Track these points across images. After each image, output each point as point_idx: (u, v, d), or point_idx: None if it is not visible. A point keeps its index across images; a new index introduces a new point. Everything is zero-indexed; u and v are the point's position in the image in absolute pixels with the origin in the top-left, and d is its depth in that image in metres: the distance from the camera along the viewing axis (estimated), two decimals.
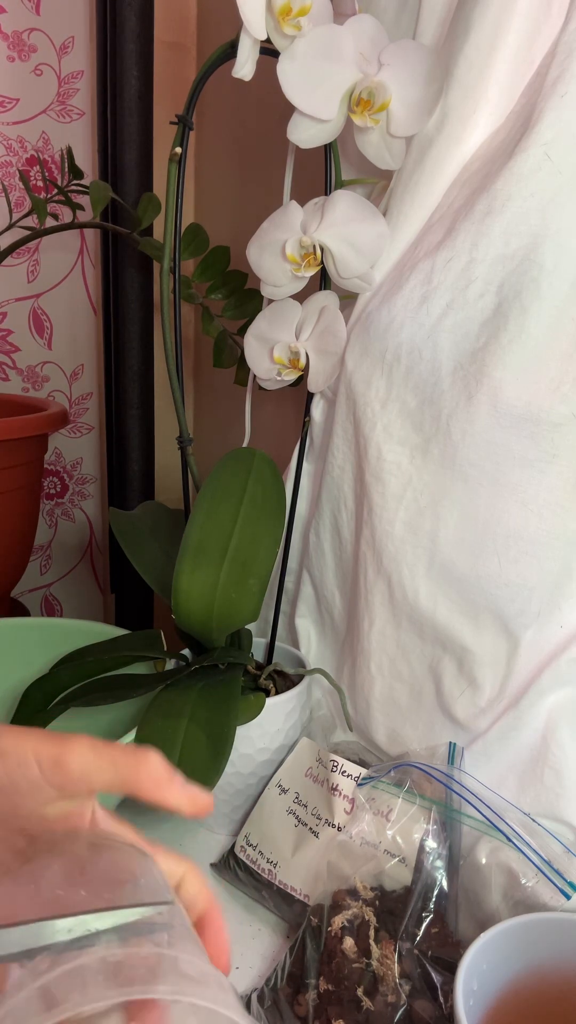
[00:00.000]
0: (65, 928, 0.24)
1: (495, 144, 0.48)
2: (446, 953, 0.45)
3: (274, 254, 0.53)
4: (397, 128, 0.49)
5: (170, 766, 0.29)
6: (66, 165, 0.71)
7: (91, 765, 0.28)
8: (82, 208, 0.72)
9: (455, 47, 0.47)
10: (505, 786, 0.50)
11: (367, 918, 0.46)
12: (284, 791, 0.56)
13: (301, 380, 0.58)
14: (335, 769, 0.54)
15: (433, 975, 0.43)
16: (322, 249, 0.52)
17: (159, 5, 0.76)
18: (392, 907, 0.47)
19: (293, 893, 0.52)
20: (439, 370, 0.49)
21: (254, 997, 0.47)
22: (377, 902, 0.47)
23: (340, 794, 0.53)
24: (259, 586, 0.54)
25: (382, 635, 0.56)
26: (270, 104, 0.76)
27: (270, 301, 0.57)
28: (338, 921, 0.46)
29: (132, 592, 0.94)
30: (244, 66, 0.46)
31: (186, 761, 0.48)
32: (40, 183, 0.90)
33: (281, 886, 0.53)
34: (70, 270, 0.97)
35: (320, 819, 0.53)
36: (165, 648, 0.59)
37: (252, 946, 0.52)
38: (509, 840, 0.47)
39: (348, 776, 0.53)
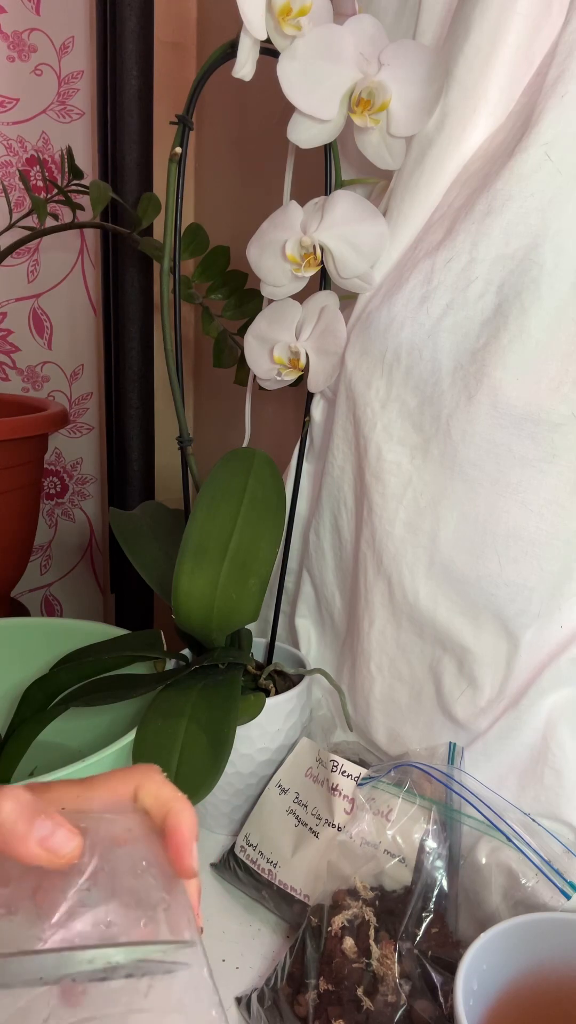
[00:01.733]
0: (86, 959, 0.24)
1: (495, 144, 0.48)
2: (446, 953, 0.45)
3: (274, 254, 0.53)
4: (397, 128, 0.49)
5: (28, 813, 0.26)
6: (66, 165, 0.71)
7: None
8: (82, 208, 0.72)
9: (455, 47, 0.46)
10: (505, 786, 0.50)
11: (367, 918, 0.46)
12: (284, 791, 0.56)
13: (301, 380, 0.58)
14: (335, 769, 0.54)
15: (433, 975, 0.43)
16: (322, 249, 0.52)
17: (159, 5, 0.76)
18: (392, 907, 0.47)
19: (293, 893, 0.52)
20: (439, 370, 0.49)
21: (254, 997, 0.47)
22: (377, 902, 0.47)
23: (340, 794, 0.53)
24: (259, 586, 0.54)
25: (382, 635, 0.56)
26: (270, 104, 0.76)
27: (270, 301, 0.57)
28: (338, 921, 0.46)
29: (132, 592, 0.94)
30: (244, 66, 0.46)
31: (186, 761, 0.48)
32: (40, 183, 0.90)
33: (281, 886, 0.53)
34: (70, 270, 0.97)
35: (320, 819, 0.53)
36: (165, 648, 0.59)
37: (252, 946, 0.52)
38: (509, 840, 0.47)
39: (348, 776, 0.53)
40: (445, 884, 0.47)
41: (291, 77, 0.48)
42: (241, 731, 0.55)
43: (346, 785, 0.53)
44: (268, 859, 0.54)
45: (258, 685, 0.60)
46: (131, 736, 0.49)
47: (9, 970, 0.24)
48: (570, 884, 0.45)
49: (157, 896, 0.27)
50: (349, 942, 0.45)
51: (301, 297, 0.55)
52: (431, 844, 0.48)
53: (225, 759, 0.48)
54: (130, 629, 0.63)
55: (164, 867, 0.28)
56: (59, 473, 1.05)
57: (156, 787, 0.30)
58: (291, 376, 0.57)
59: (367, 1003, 0.42)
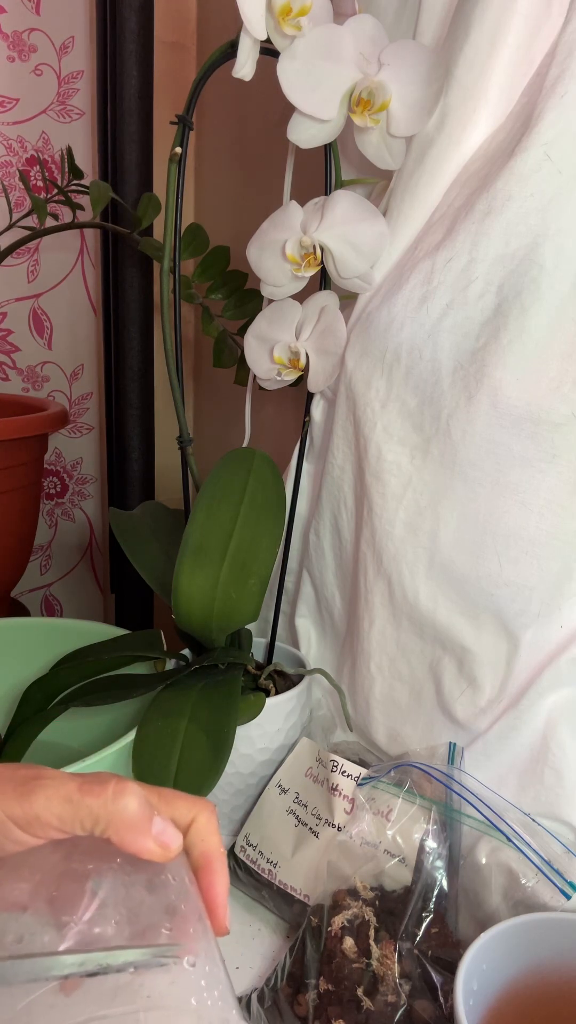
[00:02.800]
0: (76, 963, 0.24)
1: (495, 144, 0.48)
2: (446, 953, 0.45)
3: (274, 254, 0.53)
4: (397, 128, 0.49)
5: (148, 809, 0.29)
6: (66, 165, 0.71)
7: (68, 818, 0.27)
8: (82, 208, 0.72)
9: (455, 47, 0.46)
10: (505, 786, 0.50)
11: (367, 918, 0.46)
12: (284, 791, 0.56)
13: (301, 380, 0.58)
14: (335, 769, 0.54)
15: (433, 975, 0.43)
16: (322, 249, 0.52)
17: (159, 5, 0.76)
18: (392, 907, 0.47)
19: (293, 893, 0.52)
20: (439, 370, 0.49)
21: (254, 997, 0.47)
22: (377, 902, 0.47)
23: (340, 794, 0.53)
24: (259, 586, 0.54)
25: (382, 635, 0.56)
26: (270, 104, 0.76)
27: (270, 301, 0.57)
28: (338, 921, 0.46)
29: (132, 592, 0.94)
30: (244, 66, 0.46)
31: (186, 761, 0.48)
32: (40, 183, 0.90)
33: (281, 886, 0.53)
34: (70, 270, 0.97)
35: (320, 819, 0.53)
36: (165, 648, 0.59)
37: (252, 946, 0.52)
38: (509, 840, 0.47)
39: (348, 776, 0.53)
40: (445, 884, 0.47)
41: (291, 77, 0.48)
42: (241, 731, 0.55)
43: (346, 785, 0.53)
44: (268, 859, 0.54)
45: (258, 685, 0.60)
46: (131, 736, 0.49)
47: (16, 969, 0.24)
48: (570, 884, 0.45)
49: (173, 912, 0.28)
50: (349, 942, 0.45)
51: (301, 297, 0.55)
52: (431, 844, 0.48)
53: (225, 759, 0.48)
54: (130, 629, 0.63)
55: (197, 902, 0.29)
56: (59, 473, 1.05)
57: (208, 831, 0.31)
58: (291, 376, 0.57)
59: (367, 1003, 0.42)
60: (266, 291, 0.56)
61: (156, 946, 0.26)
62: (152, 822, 0.28)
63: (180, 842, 0.29)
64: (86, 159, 0.92)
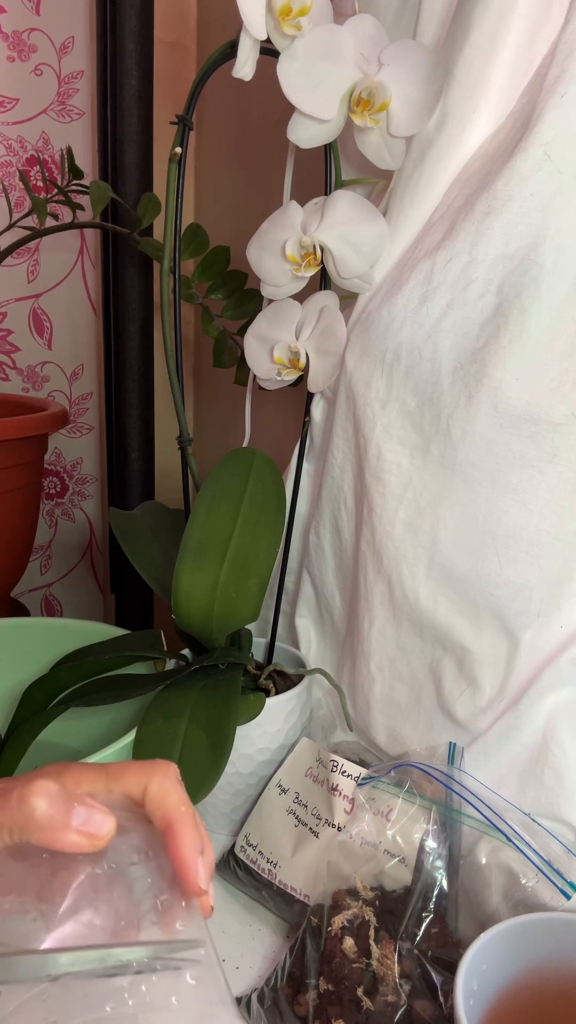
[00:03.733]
0: (67, 962, 0.24)
1: (495, 144, 0.48)
2: (446, 953, 0.45)
3: (274, 254, 0.53)
4: (397, 128, 0.49)
5: (62, 803, 0.27)
6: (66, 165, 0.71)
7: None
8: (82, 208, 0.72)
9: (455, 47, 0.46)
10: (505, 786, 0.50)
11: (367, 918, 0.46)
12: (284, 791, 0.56)
13: (301, 380, 0.58)
14: (335, 769, 0.54)
15: (433, 975, 0.43)
16: (322, 249, 0.52)
17: (159, 5, 0.76)
18: (392, 907, 0.47)
19: (293, 893, 0.52)
20: (439, 370, 0.49)
21: (254, 997, 0.47)
22: (377, 902, 0.47)
23: (340, 794, 0.53)
24: (259, 586, 0.54)
25: (382, 635, 0.56)
26: (270, 104, 0.76)
27: (270, 301, 0.57)
28: (338, 921, 0.46)
29: (132, 592, 0.94)
30: (244, 66, 0.46)
31: (186, 761, 0.48)
32: (40, 183, 0.90)
33: (281, 886, 0.53)
34: (70, 270, 0.97)
35: (320, 819, 0.53)
36: (165, 648, 0.59)
37: (252, 946, 0.52)
38: (509, 840, 0.47)
39: (348, 776, 0.53)
40: (445, 884, 0.47)
41: (291, 77, 0.48)
42: (241, 731, 0.55)
43: (346, 785, 0.53)
44: (268, 859, 0.54)
45: (258, 685, 0.60)
46: (131, 736, 0.49)
47: (10, 968, 0.24)
48: (570, 884, 0.45)
49: (158, 898, 0.27)
50: (349, 942, 0.45)
51: (301, 297, 0.55)
52: (431, 844, 0.48)
53: (225, 759, 0.48)
54: (130, 629, 0.63)
55: (169, 876, 0.28)
56: (59, 473, 1.05)
57: (163, 793, 0.29)
58: (291, 376, 0.57)
59: (367, 1003, 0.42)
60: (266, 291, 0.56)
61: (154, 944, 0.26)
62: (72, 815, 0.27)
63: (109, 826, 0.27)
64: (86, 159, 0.92)
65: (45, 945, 0.25)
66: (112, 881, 0.27)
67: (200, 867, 0.28)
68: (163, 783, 0.30)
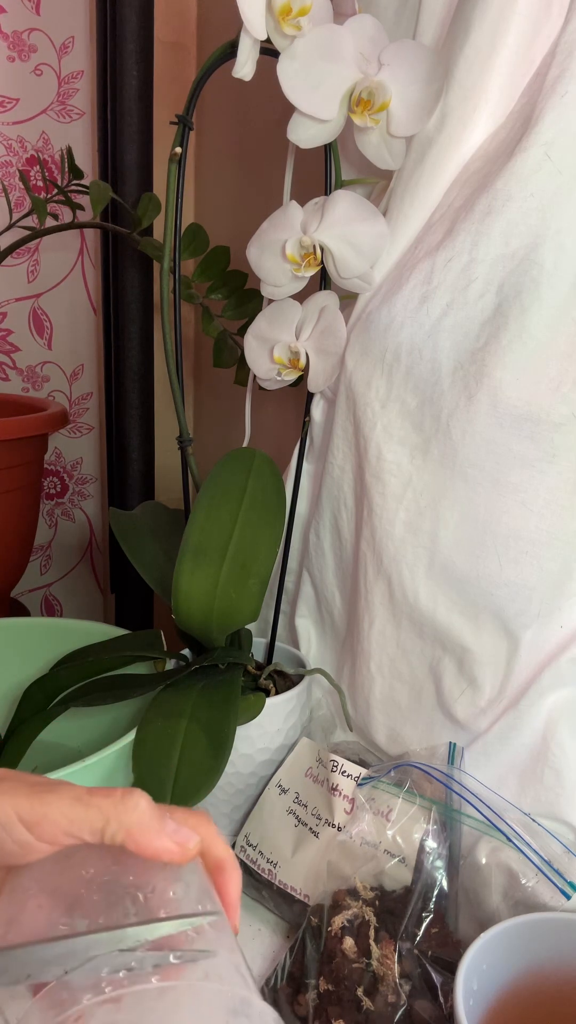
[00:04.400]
0: (114, 940, 0.24)
1: (495, 144, 0.48)
2: (446, 953, 0.45)
3: (274, 254, 0.53)
4: (397, 128, 0.49)
5: (159, 810, 0.28)
6: (66, 165, 0.71)
7: (78, 818, 0.27)
8: (82, 208, 0.72)
9: (455, 47, 0.46)
10: (505, 786, 0.50)
11: (367, 918, 0.46)
12: (284, 791, 0.56)
13: (301, 380, 0.58)
14: (335, 769, 0.54)
15: (433, 975, 0.43)
16: (322, 249, 0.52)
17: (159, 5, 0.76)
18: (392, 907, 0.47)
19: (293, 893, 0.52)
20: (439, 370, 0.49)
21: None
22: (377, 902, 0.47)
23: (340, 794, 0.53)
24: (259, 586, 0.54)
25: (382, 635, 0.56)
26: (270, 104, 0.76)
27: (270, 301, 0.57)
28: (338, 921, 0.46)
29: (132, 592, 0.94)
30: (244, 66, 0.46)
31: (186, 761, 0.48)
32: (40, 183, 0.90)
33: (281, 886, 0.53)
34: (70, 270, 0.97)
35: (320, 819, 0.53)
36: (165, 648, 0.59)
37: (252, 946, 0.52)
38: (509, 840, 0.47)
39: (348, 776, 0.53)
40: (445, 884, 0.47)
41: (291, 77, 0.48)
42: (241, 731, 0.55)
43: (346, 785, 0.53)
44: (268, 859, 0.54)
45: (258, 685, 0.60)
46: (131, 736, 0.49)
47: (33, 959, 0.24)
48: (570, 884, 0.45)
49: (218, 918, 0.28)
50: (349, 942, 0.45)
51: (301, 297, 0.55)
52: (431, 844, 0.48)
53: (225, 759, 0.48)
54: (130, 629, 0.63)
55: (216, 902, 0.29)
56: (59, 473, 1.05)
57: (211, 837, 0.31)
58: (291, 376, 0.57)
59: (367, 1003, 0.42)
60: (266, 291, 0.56)
61: (188, 916, 0.26)
62: (165, 822, 0.28)
63: (197, 841, 0.29)
64: (86, 159, 0.92)
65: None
66: (149, 904, 0.28)
67: (239, 912, 0.30)
68: (209, 826, 0.31)
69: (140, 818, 0.28)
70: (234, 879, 0.30)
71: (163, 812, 0.29)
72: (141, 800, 0.28)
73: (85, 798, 0.28)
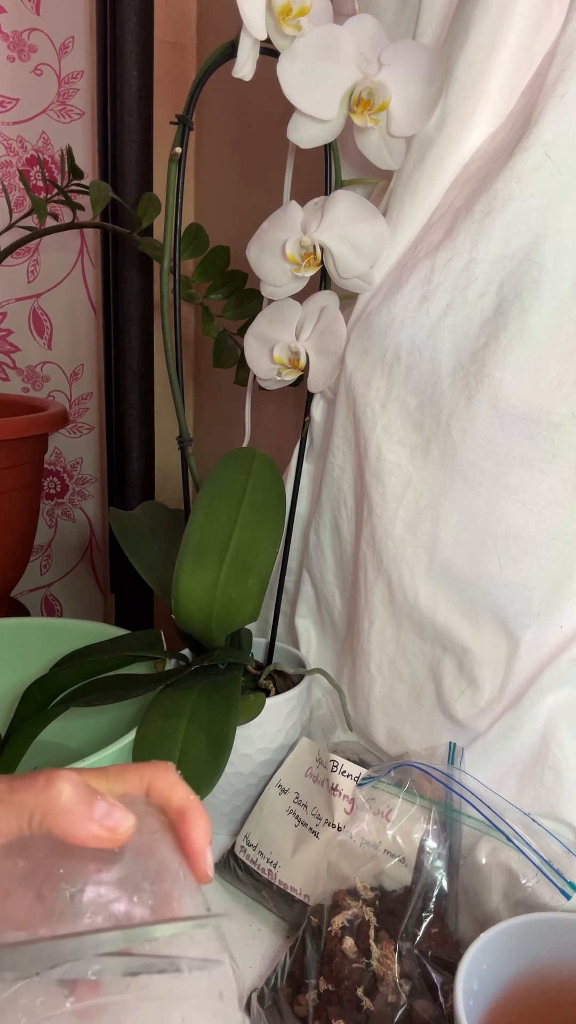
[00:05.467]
0: (105, 941, 0.24)
1: (495, 144, 0.48)
2: (446, 953, 0.45)
3: (274, 254, 0.53)
4: (397, 128, 0.49)
5: (87, 793, 0.27)
6: (66, 165, 0.71)
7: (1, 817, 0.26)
8: (82, 208, 0.72)
9: (455, 47, 0.46)
10: (505, 786, 0.50)
11: (367, 918, 0.46)
12: (284, 791, 0.56)
13: (301, 380, 0.58)
14: (335, 769, 0.54)
15: (433, 975, 0.43)
16: (322, 249, 0.52)
17: (159, 5, 0.76)
18: (392, 907, 0.47)
19: (293, 893, 0.52)
20: (439, 370, 0.49)
21: (254, 997, 0.47)
22: (377, 902, 0.47)
23: (340, 794, 0.53)
24: (259, 586, 0.54)
25: (382, 635, 0.56)
26: (270, 104, 0.76)
27: (270, 301, 0.57)
28: (338, 921, 0.46)
29: (132, 592, 0.94)
30: (244, 66, 0.46)
31: (186, 761, 0.48)
32: (40, 183, 0.90)
33: (281, 886, 0.53)
34: (70, 270, 0.97)
35: (320, 819, 0.53)
36: (165, 648, 0.59)
37: (252, 946, 0.52)
38: (509, 840, 0.47)
39: (348, 776, 0.53)
40: (445, 884, 0.47)
41: (291, 77, 0.48)
42: (241, 731, 0.55)
43: (346, 785, 0.53)
44: (268, 859, 0.54)
45: (258, 685, 0.60)
46: (131, 736, 0.49)
47: (20, 958, 0.24)
48: (570, 884, 0.45)
49: (169, 890, 0.27)
50: (349, 942, 0.45)
51: (301, 297, 0.55)
52: (431, 844, 0.48)
53: (225, 759, 0.48)
54: (130, 629, 0.63)
55: (176, 866, 0.28)
56: (59, 473, 1.05)
57: (169, 786, 0.30)
58: (291, 376, 0.57)
59: (367, 1003, 0.42)
60: (266, 291, 0.56)
61: (191, 919, 0.26)
62: (94, 806, 0.27)
63: (130, 823, 0.27)
64: (86, 159, 0.92)
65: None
66: (120, 880, 0.27)
67: (210, 855, 0.29)
68: (167, 776, 0.30)
69: (63, 805, 0.26)
70: (198, 824, 0.29)
71: (92, 794, 0.27)
72: (65, 786, 0.27)
73: (6, 796, 0.27)
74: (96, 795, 0.27)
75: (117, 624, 0.66)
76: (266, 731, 0.57)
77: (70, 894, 0.26)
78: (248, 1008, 0.46)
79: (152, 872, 0.28)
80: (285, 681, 0.61)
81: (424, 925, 0.45)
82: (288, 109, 0.49)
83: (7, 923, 0.25)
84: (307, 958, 0.46)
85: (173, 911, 0.27)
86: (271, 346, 0.56)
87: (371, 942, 0.45)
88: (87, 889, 0.26)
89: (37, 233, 0.71)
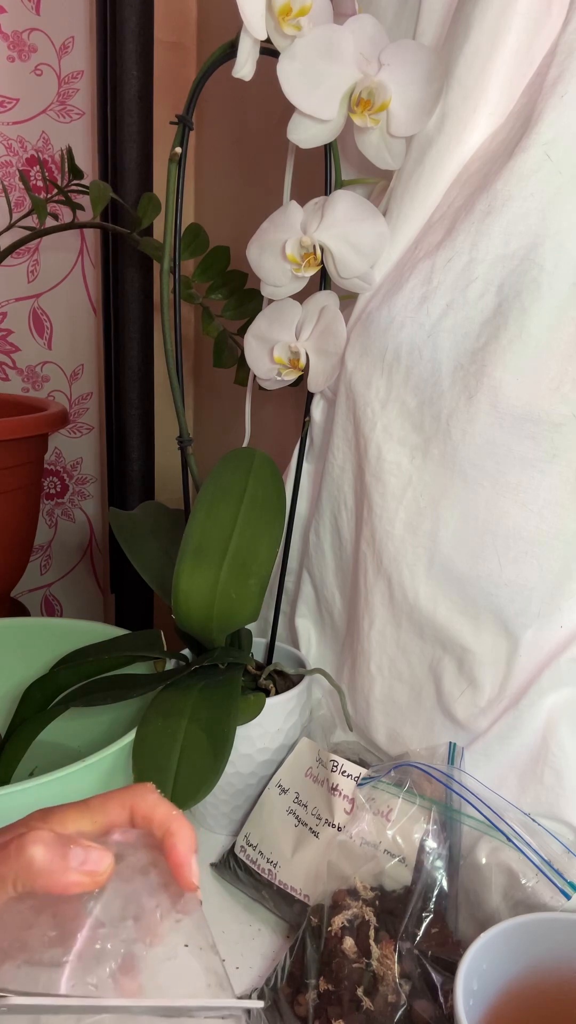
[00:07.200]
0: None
1: (495, 144, 0.48)
2: (446, 953, 0.45)
3: (274, 254, 0.53)
4: (397, 128, 0.49)
5: (58, 847, 0.28)
6: (66, 165, 0.71)
7: None
8: (82, 208, 0.72)
9: (455, 47, 0.46)
10: (505, 786, 0.50)
11: (367, 918, 0.46)
12: (284, 791, 0.56)
13: (301, 380, 0.58)
14: (335, 769, 0.54)
15: (433, 975, 0.43)
16: (322, 249, 0.52)
17: (159, 5, 0.76)
18: (392, 907, 0.47)
19: (293, 893, 0.52)
20: (439, 370, 0.49)
21: (254, 997, 0.47)
22: (377, 902, 0.47)
23: (340, 794, 0.53)
24: (259, 586, 0.54)
25: (382, 635, 0.56)
26: (270, 104, 0.76)
27: (270, 301, 0.57)
28: (338, 921, 0.46)
29: (132, 592, 0.94)
30: (244, 66, 0.46)
31: (186, 761, 0.48)
32: (40, 183, 0.90)
33: (281, 886, 0.53)
34: (70, 270, 0.97)
35: (320, 819, 0.53)
36: (165, 648, 0.59)
37: (252, 946, 0.52)
38: (509, 840, 0.47)
39: (348, 776, 0.53)
40: (445, 884, 0.47)
41: (291, 77, 0.48)
42: (241, 731, 0.55)
43: (346, 785, 0.53)
44: (268, 859, 0.54)
45: (258, 685, 0.60)
46: (131, 736, 0.49)
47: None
48: (570, 884, 0.45)
49: (166, 913, 0.28)
50: (349, 942, 0.45)
51: (301, 297, 0.55)
52: (431, 844, 0.48)
53: (225, 759, 0.48)
54: (130, 629, 0.63)
55: (172, 886, 0.30)
56: (59, 473, 1.05)
57: (151, 807, 0.31)
58: (291, 376, 0.57)
59: (367, 1003, 0.42)
60: (266, 291, 0.56)
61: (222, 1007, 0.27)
62: (69, 857, 0.28)
63: (108, 861, 0.28)
64: (86, 159, 0.92)
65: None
66: (118, 911, 0.28)
67: (194, 864, 0.30)
68: (147, 797, 0.31)
69: (40, 867, 0.27)
70: (181, 837, 0.30)
71: (64, 846, 0.28)
72: (35, 850, 0.27)
73: None
74: (69, 844, 0.28)
75: (117, 624, 0.66)
76: (266, 731, 0.57)
77: (66, 933, 0.27)
78: (248, 1008, 0.46)
79: (138, 896, 0.29)
80: (285, 681, 0.61)
81: (424, 925, 0.45)
82: (288, 109, 0.49)
83: (35, 961, 0.26)
84: (307, 958, 0.46)
85: (160, 934, 0.28)
86: (271, 346, 0.56)
87: (371, 942, 0.45)
88: (79, 932, 0.27)
89: (37, 233, 0.71)
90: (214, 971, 0.28)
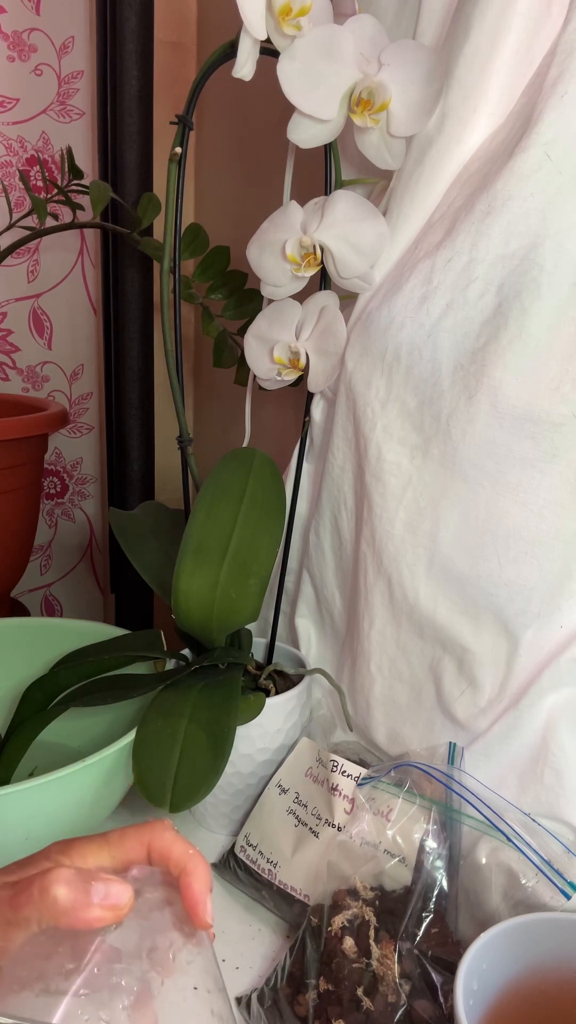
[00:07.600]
0: None
1: (495, 144, 0.48)
2: (446, 953, 0.45)
3: (274, 254, 0.53)
4: (397, 128, 0.49)
5: (81, 884, 0.28)
6: (66, 165, 0.71)
7: (10, 933, 0.28)
8: (82, 208, 0.72)
9: (455, 47, 0.46)
10: (505, 786, 0.50)
11: (367, 918, 0.46)
12: (284, 791, 0.56)
13: (301, 380, 0.58)
14: (335, 769, 0.54)
15: (433, 975, 0.43)
16: (322, 249, 0.52)
17: (159, 5, 0.76)
18: (392, 907, 0.47)
19: (293, 893, 0.52)
20: (439, 370, 0.49)
21: (254, 997, 0.47)
22: (377, 902, 0.47)
23: (340, 794, 0.53)
24: (259, 586, 0.54)
25: (382, 635, 0.56)
26: (270, 104, 0.76)
27: (270, 301, 0.57)
28: (338, 921, 0.46)
29: (132, 592, 0.94)
30: (244, 66, 0.46)
31: (186, 761, 0.48)
32: (40, 183, 0.90)
33: (281, 886, 0.53)
34: (70, 270, 0.97)
35: (320, 819, 0.53)
36: (165, 648, 0.59)
37: (252, 946, 0.52)
38: (509, 840, 0.47)
39: (348, 776, 0.53)
40: (445, 884, 0.47)
41: (291, 77, 0.48)
42: (241, 731, 0.55)
43: (346, 785, 0.53)
44: (268, 859, 0.54)
45: (258, 685, 0.60)
46: (131, 736, 0.49)
47: None
48: (570, 884, 0.45)
49: (179, 950, 0.29)
50: (349, 942, 0.45)
51: (301, 297, 0.55)
52: (431, 844, 0.48)
53: (225, 759, 0.48)
54: (130, 629, 0.63)
55: (186, 924, 0.30)
56: (59, 473, 1.05)
57: (168, 844, 0.31)
58: (291, 376, 0.57)
59: (367, 1003, 0.42)
60: (266, 291, 0.56)
61: None
62: (91, 893, 0.28)
63: (128, 895, 0.29)
64: (86, 159, 0.92)
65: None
66: (131, 941, 0.29)
67: (209, 903, 0.31)
68: (164, 835, 0.32)
69: (63, 906, 0.28)
70: (197, 876, 0.31)
71: (87, 882, 0.28)
72: (59, 890, 0.28)
73: (11, 915, 0.28)
74: (91, 879, 0.29)
75: (117, 624, 0.66)
76: (266, 731, 0.57)
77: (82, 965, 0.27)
78: (248, 1008, 0.46)
79: (153, 932, 0.29)
80: (285, 681, 0.61)
81: (424, 925, 0.45)
82: (288, 109, 0.49)
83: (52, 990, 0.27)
84: (307, 958, 0.46)
85: (172, 971, 0.29)
86: (271, 346, 0.56)
87: (371, 942, 0.45)
88: (96, 966, 0.28)
89: (37, 233, 0.71)
90: (220, 1016, 0.29)
